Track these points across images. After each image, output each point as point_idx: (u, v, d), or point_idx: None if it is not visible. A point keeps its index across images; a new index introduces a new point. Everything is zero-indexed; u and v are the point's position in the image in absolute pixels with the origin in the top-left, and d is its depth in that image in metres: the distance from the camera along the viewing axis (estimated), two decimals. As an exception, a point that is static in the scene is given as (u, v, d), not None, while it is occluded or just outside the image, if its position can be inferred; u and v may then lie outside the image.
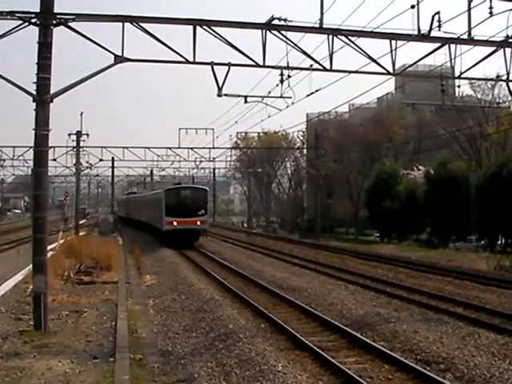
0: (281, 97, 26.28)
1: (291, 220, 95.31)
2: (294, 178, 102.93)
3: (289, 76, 24.05)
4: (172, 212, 49.43)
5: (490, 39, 21.03)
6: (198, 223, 49.42)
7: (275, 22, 19.43)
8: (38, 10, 16.92)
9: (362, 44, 20.54)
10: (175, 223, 48.90)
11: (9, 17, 17.11)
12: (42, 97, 17.04)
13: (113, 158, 72.14)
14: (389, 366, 14.43)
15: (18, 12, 17.04)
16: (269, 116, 34.49)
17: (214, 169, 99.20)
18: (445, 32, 20.15)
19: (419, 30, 19.74)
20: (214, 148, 64.95)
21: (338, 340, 17.19)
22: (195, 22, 18.85)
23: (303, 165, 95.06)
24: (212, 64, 20.07)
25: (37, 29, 16.99)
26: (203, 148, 67.22)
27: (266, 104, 30.36)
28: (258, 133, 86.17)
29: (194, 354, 15.45)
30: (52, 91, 17.33)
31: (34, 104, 17.15)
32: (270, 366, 13.80)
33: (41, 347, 15.11)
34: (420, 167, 66.76)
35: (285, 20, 19.39)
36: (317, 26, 19.76)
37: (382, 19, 25.16)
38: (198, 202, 50.35)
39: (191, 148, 67.34)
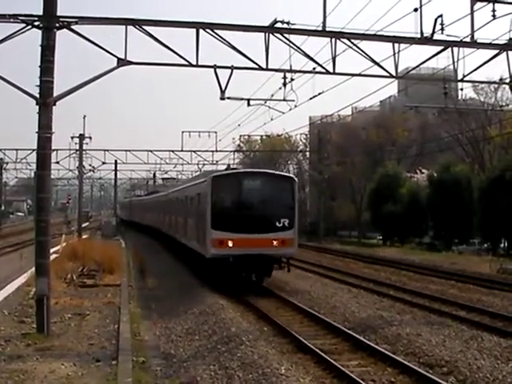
0: (284, 100, 26.26)
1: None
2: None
3: (292, 79, 24.09)
4: (225, 222, 26.57)
5: (493, 42, 21.02)
6: (275, 243, 26.38)
7: (278, 25, 19.46)
8: (41, 13, 16.94)
9: (364, 47, 20.58)
10: (230, 243, 26.13)
11: (12, 20, 17.13)
12: (45, 100, 17.05)
13: (116, 161, 72.12)
14: (391, 369, 14.42)
15: (20, 15, 17.06)
16: (272, 119, 34.51)
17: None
18: (447, 35, 20.15)
19: (422, 33, 19.74)
20: (216, 151, 65.16)
21: (341, 343, 17.18)
22: (198, 25, 18.87)
23: (306, 168, 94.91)
24: (215, 67, 20.11)
25: (39, 32, 17.01)
26: (206, 151, 67.29)
27: (269, 107, 30.42)
28: (261, 136, 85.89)
29: (196, 356, 15.45)
30: (55, 94, 17.35)
31: (37, 107, 17.17)
32: (272, 369, 13.80)
33: (43, 350, 15.09)
34: (423, 170, 66.69)
35: (288, 23, 19.42)
36: (320, 29, 19.77)
37: (384, 22, 25.40)
38: (276, 203, 27.33)
39: (194, 151, 67.40)
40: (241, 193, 27.24)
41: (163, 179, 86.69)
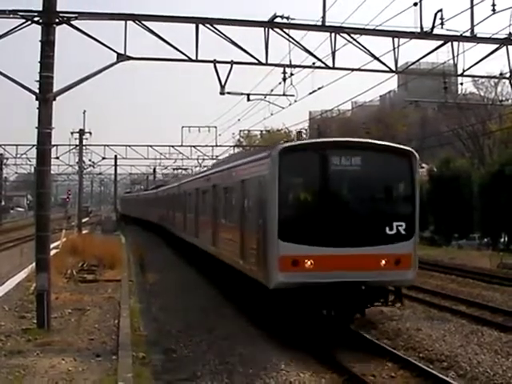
0: (283, 95, 26.23)
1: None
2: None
3: (291, 74, 24.02)
4: (301, 228, 16.36)
5: (493, 37, 20.97)
6: (383, 263, 16.33)
7: (278, 19, 19.43)
8: (41, 9, 16.92)
9: (364, 42, 20.53)
10: (310, 264, 15.98)
11: (11, 15, 17.12)
12: (45, 95, 17.04)
13: (115, 156, 72.02)
14: (392, 364, 14.43)
15: (20, 11, 17.04)
16: (271, 114, 34.32)
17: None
18: (447, 29, 20.11)
19: (422, 27, 19.72)
20: (216, 146, 64.80)
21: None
22: (198, 21, 18.86)
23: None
24: (215, 62, 20.09)
25: (39, 27, 17.00)
26: (206, 146, 67.09)
27: (269, 102, 30.35)
28: (261, 131, 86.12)
29: (196, 351, 15.43)
30: (55, 89, 17.34)
31: (37, 102, 17.17)
32: (272, 365, 13.82)
33: (44, 345, 15.11)
34: (423, 165, 66.71)
35: (287, 18, 19.40)
36: (319, 23, 19.74)
37: (384, 17, 25.28)
38: (386, 195, 17.70)
39: (194, 146, 67.23)
40: (329, 178, 16.95)
41: (173, 169, 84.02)
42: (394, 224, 16.56)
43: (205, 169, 45.30)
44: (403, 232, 16.61)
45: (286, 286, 15.97)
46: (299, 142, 18.75)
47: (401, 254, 16.50)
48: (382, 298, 17.19)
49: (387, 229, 16.52)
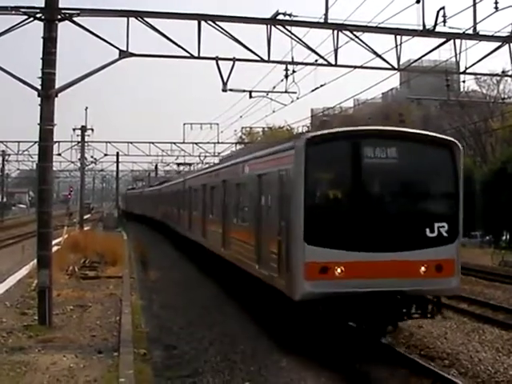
0: (285, 92, 26.26)
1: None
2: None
3: (293, 71, 24.02)
4: (331, 230, 14.58)
5: (496, 34, 20.98)
6: (423, 270, 14.59)
7: (280, 17, 19.45)
8: (43, 5, 16.92)
9: (366, 39, 20.55)
10: (341, 271, 14.23)
11: (13, 12, 17.14)
12: (47, 92, 17.03)
13: (117, 153, 72.08)
14: (392, 362, 14.41)
15: (22, 7, 17.07)
16: (273, 111, 34.48)
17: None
18: (450, 27, 20.16)
19: (424, 25, 19.71)
20: (218, 143, 64.95)
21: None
22: (200, 17, 18.87)
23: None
24: (217, 59, 20.08)
25: (41, 24, 16.99)
26: (208, 143, 67.17)
27: (271, 99, 30.39)
28: (263, 128, 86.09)
29: (198, 348, 15.43)
30: (57, 86, 17.33)
31: (39, 99, 17.16)
32: (273, 362, 13.83)
33: (45, 342, 15.11)
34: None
35: (290, 15, 19.42)
36: (322, 21, 19.74)
37: (386, 14, 25.18)
38: (426, 192, 15.93)
39: (196, 143, 67.35)
40: (361, 172, 15.10)
41: (177, 164, 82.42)
42: (436, 225, 14.88)
43: (212, 163, 43.52)
44: (445, 234, 14.93)
45: (313, 296, 14.25)
46: (328, 131, 15.85)
47: (442, 259, 14.80)
48: (420, 308, 15.22)
49: (427, 231, 14.84)
